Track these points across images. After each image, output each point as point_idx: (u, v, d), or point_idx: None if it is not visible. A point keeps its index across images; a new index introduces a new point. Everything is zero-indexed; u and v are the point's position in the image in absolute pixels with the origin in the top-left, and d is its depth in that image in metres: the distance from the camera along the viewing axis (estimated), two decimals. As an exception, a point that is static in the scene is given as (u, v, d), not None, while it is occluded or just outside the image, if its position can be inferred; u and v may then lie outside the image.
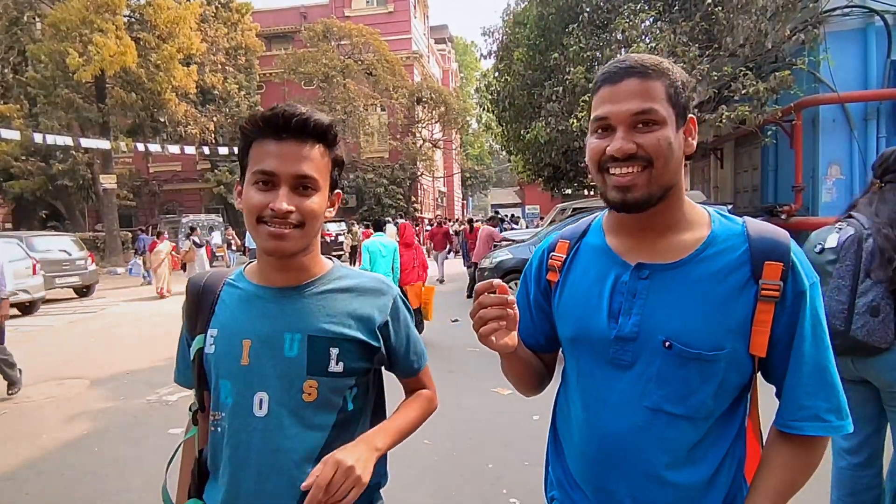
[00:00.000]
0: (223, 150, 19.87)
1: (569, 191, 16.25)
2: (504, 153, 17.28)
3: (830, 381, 0.83)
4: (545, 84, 9.19)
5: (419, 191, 30.86)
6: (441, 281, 12.66)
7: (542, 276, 1.04)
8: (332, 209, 0.97)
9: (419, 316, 6.14)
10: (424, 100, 27.89)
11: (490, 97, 11.55)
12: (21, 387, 4.90)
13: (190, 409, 1.05)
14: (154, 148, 18.34)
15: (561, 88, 8.54)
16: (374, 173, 26.62)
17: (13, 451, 3.66)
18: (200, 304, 1.01)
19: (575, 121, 7.60)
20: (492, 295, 0.84)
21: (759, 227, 0.87)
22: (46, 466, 3.44)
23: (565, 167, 11.95)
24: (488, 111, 12.20)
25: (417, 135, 28.64)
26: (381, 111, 28.35)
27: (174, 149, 18.45)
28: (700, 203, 0.97)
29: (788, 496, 0.84)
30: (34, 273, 9.71)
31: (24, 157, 19.63)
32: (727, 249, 0.85)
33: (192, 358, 0.99)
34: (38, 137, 15.46)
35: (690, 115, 0.88)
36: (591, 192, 18.46)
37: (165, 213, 24.61)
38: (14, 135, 15.09)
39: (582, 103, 7.59)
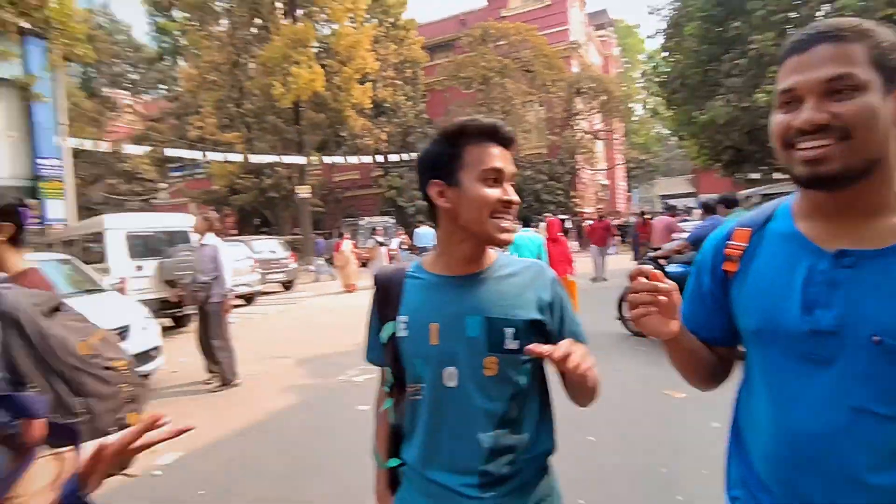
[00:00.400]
0: (394, 158, 21.73)
1: (755, 175, 14.25)
2: (674, 139, 15.87)
3: None
4: (723, 58, 8.23)
5: (579, 185, 29.91)
6: (601, 279, 11.50)
7: (717, 266, 0.99)
8: None
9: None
10: (583, 90, 26.95)
11: (657, 79, 10.72)
12: (230, 381, 5.40)
13: (385, 385, 1.21)
14: (337, 160, 20.86)
15: (744, 60, 7.55)
16: (532, 170, 26.56)
17: (244, 413, 4.55)
18: (389, 295, 1.15)
19: (762, 95, 6.67)
20: (644, 280, 0.86)
21: None
22: (269, 427, 4.21)
23: (749, 149, 10.50)
24: (656, 95, 11.35)
25: (576, 127, 27.81)
26: (539, 106, 28.13)
27: (353, 159, 20.75)
28: None
29: None
30: (253, 270, 11.81)
31: (243, 176, 23.90)
32: None
33: (385, 341, 1.13)
34: (253, 158, 18.71)
35: None
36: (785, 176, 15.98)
37: (346, 217, 27.76)
38: (238, 157, 18.49)
39: (770, 75, 6.64)
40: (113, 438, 0.71)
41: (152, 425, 0.74)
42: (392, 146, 25.44)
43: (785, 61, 0.84)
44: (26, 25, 8.86)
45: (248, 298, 12.03)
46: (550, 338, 1.09)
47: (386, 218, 22.33)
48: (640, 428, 3.71)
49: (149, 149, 19.94)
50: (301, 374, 5.73)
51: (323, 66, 20.01)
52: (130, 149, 19.09)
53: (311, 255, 21.99)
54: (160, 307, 8.18)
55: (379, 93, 23.29)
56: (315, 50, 20.89)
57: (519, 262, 1.15)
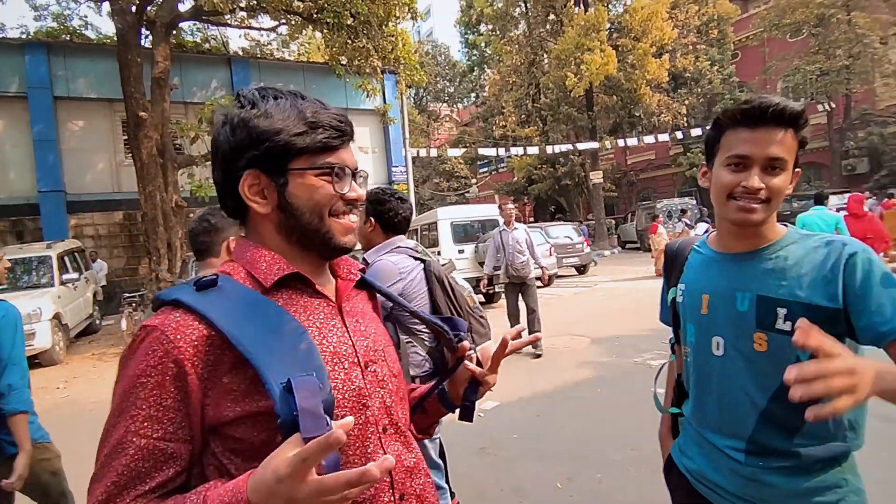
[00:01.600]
0: (696, 132, 19.70)
1: None
2: None
3: None
4: None
5: None
6: None
7: None
8: (791, 185, 1.06)
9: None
10: None
11: None
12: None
13: (670, 342, 1.38)
14: (631, 142, 20.22)
15: None
16: (897, 125, 20.13)
17: (548, 379, 5.14)
18: (675, 264, 1.29)
19: None
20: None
21: None
22: (569, 393, 4.67)
23: None
24: None
25: (983, 56, 19.67)
26: (912, 39, 20.98)
27: (649, 139, 19.72)
28: None
29: None
30: (550, 254, 12.70)
31: (539, 166, 25.57)
32: None
33: (669, 303, 1.29)
34: (548, 149, 19.87)
35: None
36: None
37: (642, 200, 26.60)
38: (534, 150, 19.98)
39: None
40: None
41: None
42: (694, 119, 23.07)
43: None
44: (384, 66, 11.71)
45: (548, 280, 12.99)
46: (841, 321, 1.00)
47: (686, 199, 20.48)
48: None
49: (463, 150, 23.48)
50: (597, 352, 6.03)
51: (615, 46, 19.61)
52: (451, 152, 22.86)
53: (603, 240, 22.03)
54: (475, 285, 9.75)
55: (678, 63, 21.41)
56: (607, 32, 20.61)
57: (809, 239, 1.09)
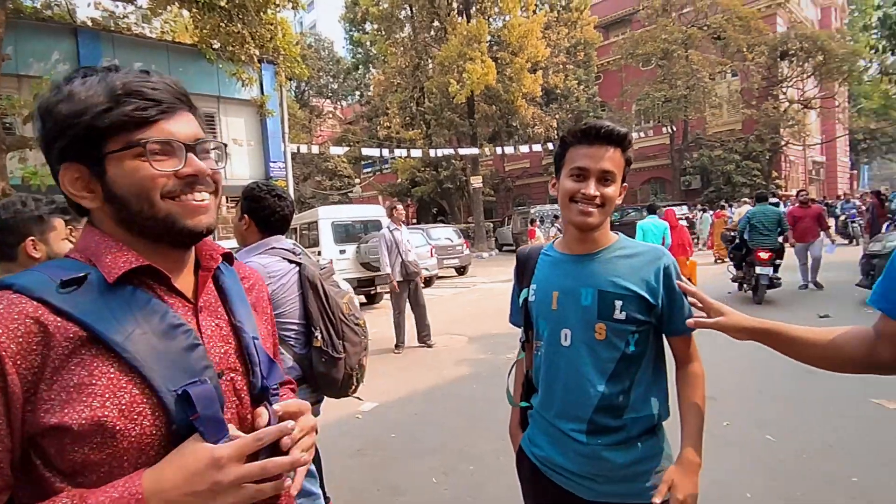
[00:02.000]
0: (564, 145, 21.42)
1: None
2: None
3: None
4: None
5: (783, 164, 25.84)
6: (811, 285, 8.41)
7: None
8: (620, 196, 1.28)
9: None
10: (791, 52, 23.10)
11: (888, 31, 8.80)
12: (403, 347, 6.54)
13: (520, 341, 1.46)
14: (508, 150, 21.41)
15: None
16: (722, 149, 23.79)
17: (427, 377, 5.24)
18: (526, 267, 1.42)
19: None
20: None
21: None
22: (447, 390, 4.81)
23: None
24: (887, 51, 9.32)
25: (781, 96, 24.01)
26: (732, 77, 24.97)
27: (524, 148, 21.08)
28: None
29: None
30: (431, 255, 12.97)
31: (423, 169, 26.00)
32: None
33: (520, 304, 1.40)
34: (431, 153, 20.31)
35: None
36: None
37: (518, 205, 28.30)
38: (418, 153, 20.28)
39: None
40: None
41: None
42: (563, 133, 25.08)
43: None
44: (263, 55, 11.06)
45: (427, 281, 13.26)
46: (657, 313, 1.24)
47: (556, 205, 22.15)
48: (832, 434, 3.36)
49: (347, 149, 23.05)
50: (474, 350, 6.29)
51: (495, 58, 20.64)
52: (333, 150, 22.29)
53: (482, 242, 23.04)
54: (356, 286, 9.63)
55: (550, 79, 23.17)
56: (487, 44, 21.60)
57: (638, 246, 1.31)
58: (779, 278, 7.55)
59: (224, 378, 0.76)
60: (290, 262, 2.00)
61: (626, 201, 26.33)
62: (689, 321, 1.19)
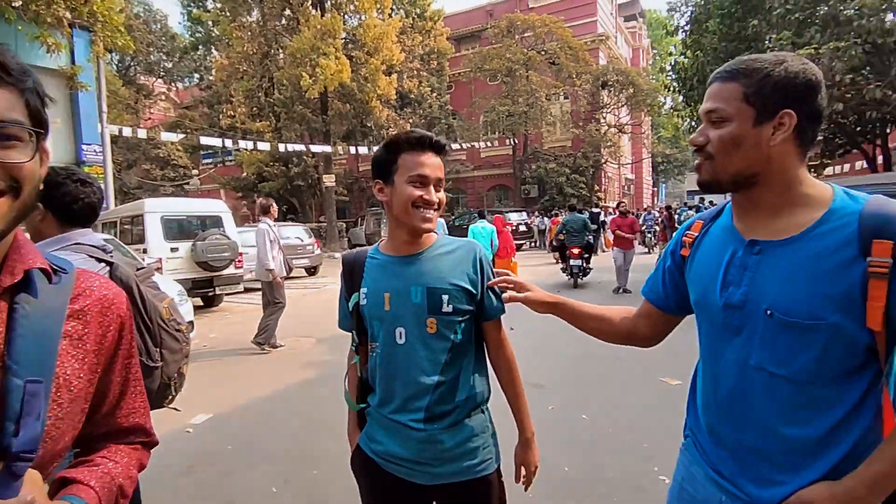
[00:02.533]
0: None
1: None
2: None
3: None
4: (742, 56, 8.25)
5: (603, 179, 29.76)
6: (625, 290, 9.57)
7: (677, 250, 1.21)
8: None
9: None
10: (610, 83, 26.74)
11: (676, 76, 10.72)
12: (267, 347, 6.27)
13: (352, 344, 1.47)
14: (362, 150, 21.25)
15: (761, 59, 7.59)
16: (555, 163, 26.55)
17: (269, 383, 4.97)
18: (353, 272, 1.42)
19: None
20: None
21: (878, 203, 0.89)
22: (291, 395, 4.61)
23: (771, 146, 10.48)
24: (675, 92, 11.32)
25: (602, 120, 27.63)
26: (564, 99, 28.01)
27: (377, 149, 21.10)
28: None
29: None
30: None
31: (271, 164, 24.55)
32: (839, 227, 0.91)
33: (350, 309, 1.41)
34: (281, 147, 19.24)
35: (786, 110, 0.93)
36: (811, 173, 15.69)
37: (371, 206, 28.24)
38: (266, 146, 19.07)
39: (786, 73, 6.67)
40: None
41: None
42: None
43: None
44: (75, 20, 9.44)
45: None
46: (477, 301, 1.37)
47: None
48: (631, 410, 3.97)
49: (182, 136, 20.72)
50: (322, 351, 6.13)
51: (350, 57, 20.34)
52: (165, 136, 19.84)
53: (335, 242, 22.54)
54: (192, 287, 8.73)
55: (404, 84, 23.56)
56: (342, 41, 21.23)
57: (454, 242, 1.42)
58: (590, 268, 10.54)
59: None
60: (100, 260, 1.71)
61: (474, 205, 27.99)
62: (504, 295, 1.34)
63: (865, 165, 12.98)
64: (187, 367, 1.99)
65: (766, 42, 7.21)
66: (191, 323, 5.89)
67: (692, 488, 1.14)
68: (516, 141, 27.58)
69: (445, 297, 1.31)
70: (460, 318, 1.33)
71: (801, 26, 7.00)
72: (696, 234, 1.15)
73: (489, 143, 26.53)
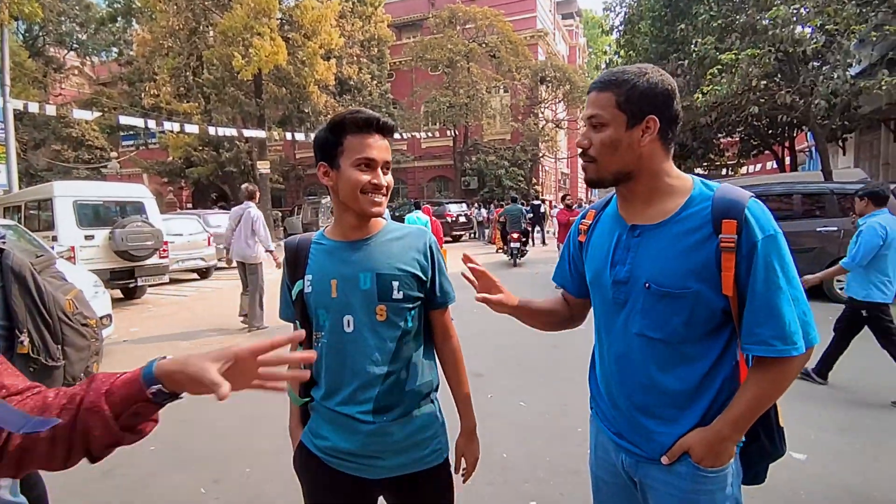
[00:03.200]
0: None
1: (699, 170, 15.10)
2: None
3: (777, 314, 1.02)
4: (670, 58, 8.70)
5: (540, 172, 30.53)
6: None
7: (575, 238, 1.36)
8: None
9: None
10: (548, 79, 27.39)
11: (610, 75, 11.12)
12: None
13: None
14: (299, 137, 20.54)
15: (687, 62, 8.04)
16: (495, 155, 26.92)
17: (197, 379, 4.70)
18: (297, 259, 1.36)
19: (700, 95, 7.15)
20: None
21: (725, 190, 1.08)
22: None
23: (693, 145, 11.16)
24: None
25: (540, 115, 28.27)
26: (504, 92, 28.41)
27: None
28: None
29: (756, 411, 1.07)
30: (209, 244, 11.70)
31: (200, 148, 23.21)
32: (698, 211, 1.08)
33: (294, 298, 1.35)
34: (211, 130, 18.20)
35: (651, 116, 1.08)
36: (729, 172, 16.86)
37: (309, 195, 27.43)
38: (194, 129, 17.95)
39: (709, 76, 7.10)
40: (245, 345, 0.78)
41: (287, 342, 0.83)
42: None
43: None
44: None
45: (203, 273, 11.92)
46: (426, 288, 1.35)
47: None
48: (566, 396, 4.10)
49: (98, 114, 19.09)
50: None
51: (286, 39, 19.55)
52: (78, 113, 18.21)
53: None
54: (110, 277, 8.10)
55: (343, 70, 22.97)
56: (278, 22, 20.34)
57: (404, 228, 1.39)
58: (526, 250, 12.56)
59: None
60: None
61: (414, 196, 27.90)
62: (477, 296, 1.31)
63: (775, 165, 14.15)
64: (98, 366, 1.82)
65: (693, 45, 7.64)
66: (108, 316, 5.47)
67: (603, 453, 1.29)
68: (457, 132, 27.69)
69: (395, 284, 1.27)
70: (410, 306, 1.31)
71: (724, 32, 7.48)
72: (590, 223, 1.30)
73: (430, 134, 26.47)
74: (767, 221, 1.04)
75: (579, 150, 1.16)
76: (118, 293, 8.78)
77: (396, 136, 26.09)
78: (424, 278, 1.33)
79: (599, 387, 1.28)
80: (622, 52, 10.88)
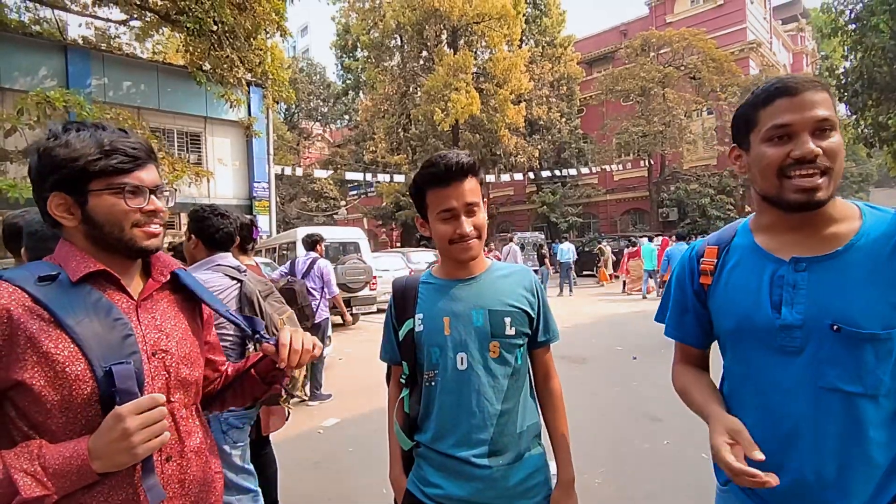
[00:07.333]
0: (546, 174, 22.06)
1: None
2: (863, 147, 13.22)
3: None
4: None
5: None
6: None
7: (695, 280, 1.16)
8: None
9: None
10: (763, 94, 24.13)
11: (834, 81, 9.42)
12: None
13: (402, 378, 1.39)
14: (491, 178, 21.88)
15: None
16: (697, 183, 24.54)
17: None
18: (406, 299, 1.36)
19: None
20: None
21: None
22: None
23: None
24: (838, 99, 9.93)
25: (754, 135, 24.92)
26: (708, 115, 25.94)
27: (506, 177, 21.62)
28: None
29: None
30: (410, 278, 13.17)
31: (407, 193, 26.28)
32: (883, 236, 0.92)
33: (402, 338, 1.33)
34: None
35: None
36: None
37: (501, 232, 28.66)
38: (402, 178, 20.63)
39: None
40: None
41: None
42: (545, 163, 25.76)
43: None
44: (252, 79, 11.39)
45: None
46: (534, 323, 1.34)
47: (536, 233, 22.66)
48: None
49: (331, 172, 23.35)
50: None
51: (480, 89, 21.27)
52: (318, 173, 22.57)
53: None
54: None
55: (533, 111, 23.88)
56: (473, 75, 22.26)
57: (509, 267, 1.40)
58: None
59: (156, 357, 0.98)
60: (233, 279, 2.20)
61: (606, 230, 26.94)
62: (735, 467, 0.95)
63: None
64: (301, 371, 2.39)
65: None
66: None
67: None
68: (652, 162, 26.12)
69: (508, 320, 1.27)
70: (521, 342, 1.30)
71: None
72: (715, 261, 1.12)
73: (622, 166, 25.51)
74: None
75: (794, 162, 0.94)
76: (337, 319, 10.49)
77: (585, 170, 25.95)
78: (533, 315, 1.33)
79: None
80: (854, 56, 9.15)
